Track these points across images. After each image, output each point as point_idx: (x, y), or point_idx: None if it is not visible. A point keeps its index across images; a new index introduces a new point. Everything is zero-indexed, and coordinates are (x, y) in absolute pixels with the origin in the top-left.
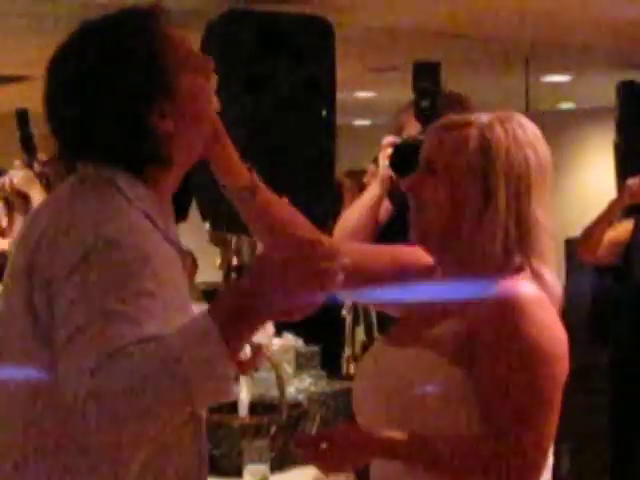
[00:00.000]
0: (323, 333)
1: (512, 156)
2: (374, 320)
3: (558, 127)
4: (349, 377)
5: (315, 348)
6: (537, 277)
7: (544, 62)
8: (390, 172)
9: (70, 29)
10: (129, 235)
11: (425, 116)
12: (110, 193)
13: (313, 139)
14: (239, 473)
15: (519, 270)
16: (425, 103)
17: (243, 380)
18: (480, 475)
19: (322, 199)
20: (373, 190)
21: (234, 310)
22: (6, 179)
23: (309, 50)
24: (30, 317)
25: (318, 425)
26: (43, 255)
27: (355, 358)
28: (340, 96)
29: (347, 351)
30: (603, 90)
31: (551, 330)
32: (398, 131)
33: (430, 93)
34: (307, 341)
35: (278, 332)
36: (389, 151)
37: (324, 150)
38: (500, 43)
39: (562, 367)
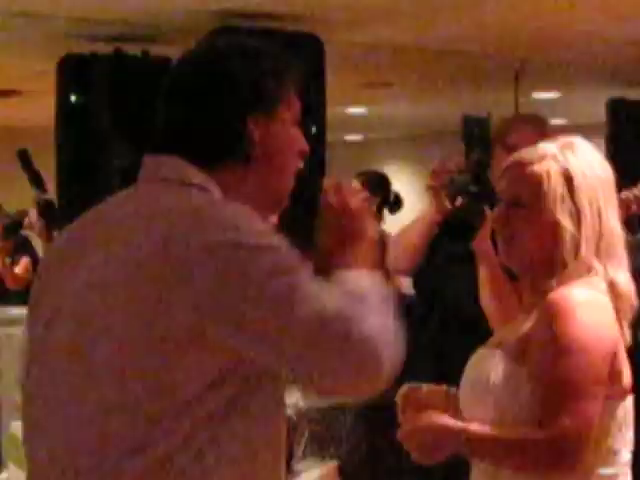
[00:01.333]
0: None
1: (588, 178)
2: None
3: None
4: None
5: None
6: (611, 284)
7: (534, 79)
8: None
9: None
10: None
11: (475, 167)
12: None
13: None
14: None
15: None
16: (475, 155)
17: None
18: (529, 460)
19: (312, 214)
20: (431, 217)
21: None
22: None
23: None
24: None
25: (307, 440)
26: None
27: None
28: (332, 111)
29: None
30: (593, 106)
31: (598, 330)
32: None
33: (480, 146)
34: None
35: None
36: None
37: (314, 165)
38: (490, 59)
39: (606, 364)
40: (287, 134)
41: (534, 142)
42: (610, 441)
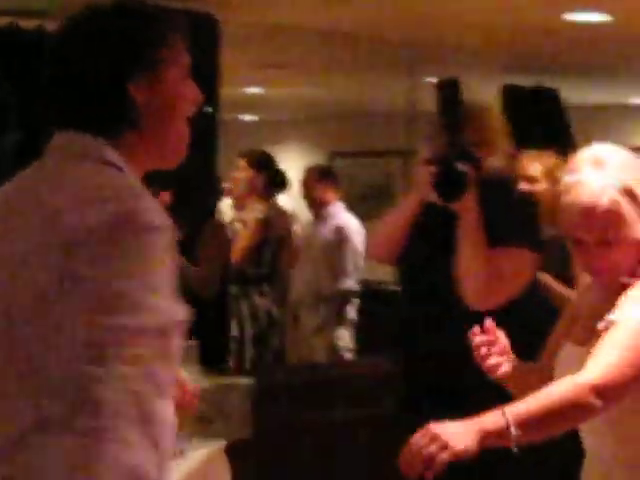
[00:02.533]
0: (205, 328)
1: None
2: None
3: None
4: (234, 372)
5: (194, 342)
6: None
7: (428, 64)
8: (432, 195)
9: None
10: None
11: (450, 127)
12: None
13: (197, 133)
14: None
15: None
16: (449, 117)
17: None
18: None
19: (207, 191)
20: (412, 204)
21: None
22: None
23: (192, 46)
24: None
25: (196, 420)
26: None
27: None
28: (228, 91)
29: (233, 347)
30: (488, 92)
31: None
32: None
33: (453, 107)
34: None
35: None
36: (430, 172)
37: (208, 144)
38: (385, 44)
39: None
40: (175, 91)
41: None
42: None
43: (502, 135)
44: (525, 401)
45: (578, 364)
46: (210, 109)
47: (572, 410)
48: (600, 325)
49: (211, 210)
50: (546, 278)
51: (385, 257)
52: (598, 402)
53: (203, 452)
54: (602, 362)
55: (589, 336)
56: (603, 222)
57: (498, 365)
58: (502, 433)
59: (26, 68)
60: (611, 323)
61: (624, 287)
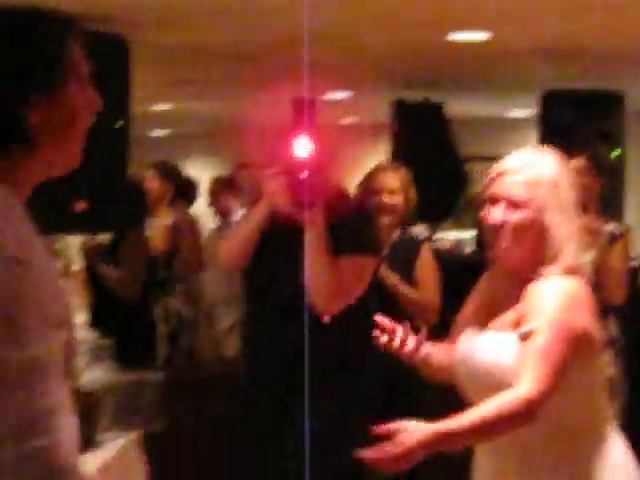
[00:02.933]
0: (121, 326)
1: (566, 183)
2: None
3: (339, 140)
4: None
5: (108, 341)
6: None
7: (325, 80)
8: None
9: None
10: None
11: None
12: None
13: (108, 147)
14: None
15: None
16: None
17: None
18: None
19: (119, 201)
20: (261, 214)
21: None
22: None
23: (102, 67)
24: None
25: (112, 413)
26: None
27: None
28: (138, 109)
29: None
30: (382, 106)
31: (574, 312)
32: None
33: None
34: (102, 334)
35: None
36: (281, 183)
37: (119, 160)
38: (283, 61)
39: (580, 339)
40: (73, 107)
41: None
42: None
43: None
44: (467, 415)
45: (476, 347)
46: (122, 123)
47: (508, 421)
48: (523, 330)
49: (132, 217)
50: (393, 278)
51: (235, 265)
52: (531, 415)
53: (119, 442)
54: (534, 376)
55: (490, 321)
56: (520, 186)
57: (415, 350)
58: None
59: None
60: (533, 331)
61: (527, 280)
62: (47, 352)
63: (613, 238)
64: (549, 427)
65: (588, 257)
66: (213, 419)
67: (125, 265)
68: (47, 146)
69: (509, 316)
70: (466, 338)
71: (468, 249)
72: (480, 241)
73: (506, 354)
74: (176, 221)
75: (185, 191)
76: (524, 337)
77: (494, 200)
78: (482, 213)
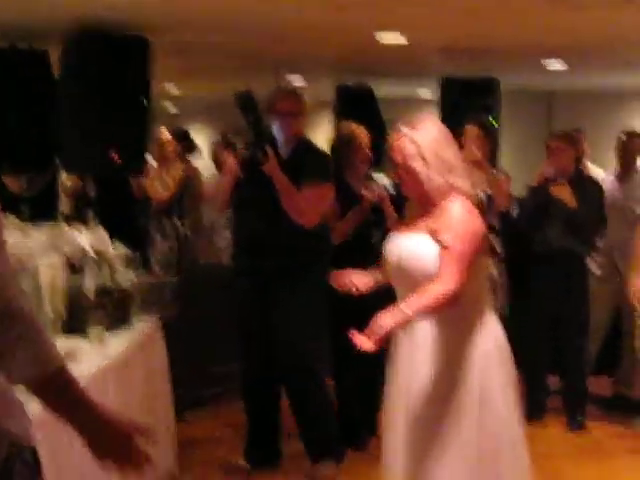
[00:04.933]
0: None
1: (428, 138)
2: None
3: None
4: (156, 274)
5: (135, 253)
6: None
7: (290, 67)
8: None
9: None
10: None
11: (250, 125)
12: None
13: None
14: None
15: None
16: (248, 118)
17: (88, 271)
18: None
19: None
20: (228, 180)
21: None
22: None
23: (131, 60)
24: None
25: (139, 304)
26: None
27: (159, 262)
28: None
29: (154, 257)
30: (329, 90)
31: (474, 220)
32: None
33: (250, 111)
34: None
35: (111, 240)
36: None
37: (144, 123)
38: (253, 50)
39: (477, 239)
40: None
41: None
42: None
43: (304, 110)
44: (411, 299)
45: (397, 247)
46: (145, 101)
47: (438, 308)
48: (439, 240)
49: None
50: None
51: (221, 208)
52: (454, 300)
53: (145, 324)
54: (453, 271)
55: (410, 229)
56: (398, 151)
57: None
58: (406, 319)
59: None
60: (447, 240)
61: (433, 205)
62: None
63: (499, 177)
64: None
65: (476, 188)
66: (215, 309)
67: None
68: None
69: (422, 225)
70: (392, 240)
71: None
72: (397, 185)
73: (424, 249)
74: (186, 170)
75: (192, 149)
76: (442, 245)
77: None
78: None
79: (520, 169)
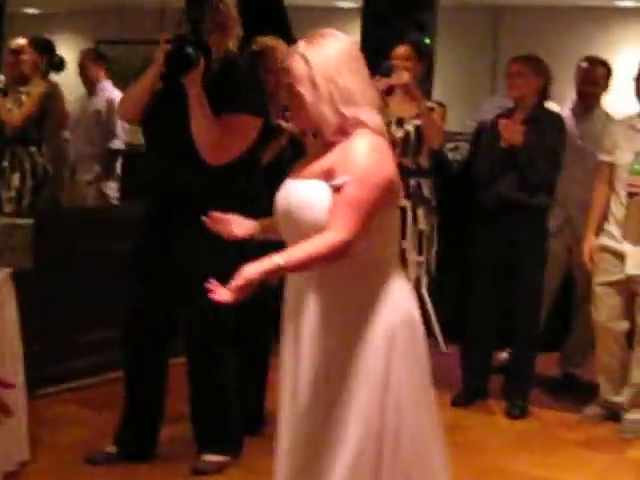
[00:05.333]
0: None
1: (321, 58)
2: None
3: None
4: (7, 214)
5: None
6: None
7: None
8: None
9: None
10: None
11: (191, 20)
12: None
13: None
14: None
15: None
16: (191, 12)
17: None
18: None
19: None
20: (151, 75)
21: None
22: None
23: None
24: None
25: None
26: None
27: (11, 200)
28: None
29: (5, 194)
30: None
31: (378, 165)
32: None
33: (195, 5)
34: None
35: None
36: (165, 50)
37: None
38: None
39: (383, 185)
40: None
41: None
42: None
43: (235, 23)
44: (293, 249)
45: (290, 192)
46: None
47: (323, 259)
48: (335, 183)
49: None
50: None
51: (131, 117)
52: (342, 254)
53: None
54: (346, 221)
55: (304, 172)
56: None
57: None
58: (277, 269)
59: None
60: (345, 183)
61: (334, 142)
62: None
63: (432, 109)
64: (350, 262)
65: (380, 120)
66: (80, 255)
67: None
68: None
69: (315, 166)
70: (284, 186)
71: None
72: None
73: (317, 195)
74: (48, 89)
75: (56, 63)
76: (336, 189)
77: None
78: None
79: (459, 100)
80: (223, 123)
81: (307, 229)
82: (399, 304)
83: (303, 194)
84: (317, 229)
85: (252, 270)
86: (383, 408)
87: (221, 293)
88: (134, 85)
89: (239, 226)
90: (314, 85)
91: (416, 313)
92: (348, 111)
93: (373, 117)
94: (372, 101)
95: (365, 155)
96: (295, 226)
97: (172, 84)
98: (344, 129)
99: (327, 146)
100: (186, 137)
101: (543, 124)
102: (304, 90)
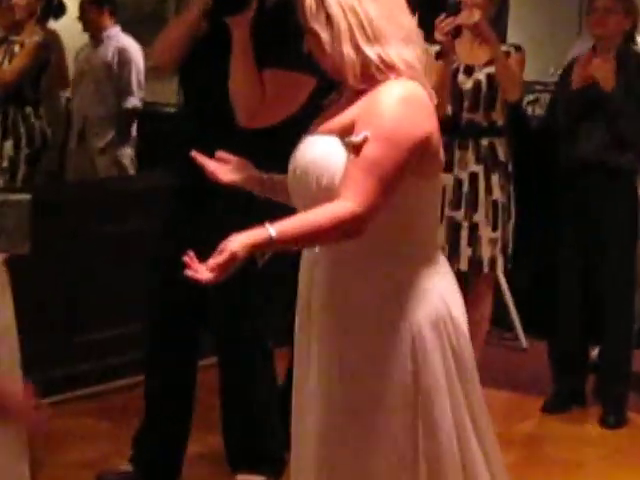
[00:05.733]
0: None
1: None
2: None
3: None
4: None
5: None
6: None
7: None
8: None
9: None
10: None
11: None
12: None
13: None
14: None
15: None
16: None
17: None
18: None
19: None
20: (193, 15)
21: None
22: None
23: None
24: None
25: None
26: None
27: (4, 172)
28: None
29: (6, 166)
30: None
31: (411, 119)
32: None
33: None
34: None
35: None
36: None
37: None
38: None
39: (413, 145)
40: None
41: None
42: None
43: None
44: (291, 219)
45: (302, 152)
46: None
47: (326, 236)
48: (353, 139)
49: None
50: None
51: (168, 63)
52: (358, 230)
53: None
54: (362, 190)
55: (325, 127)
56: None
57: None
58: (268, 243)
59: None
60: (364, 139)
61: (361, 92)
62: None
63: (507, 53)
64: (368, 244)
65: (418, 61)
66: (90, 239)
67: None
68: None
69: (336, 121)
70: (302, 144)
71: None
72: None
73: (333, 153)
74: (45, 37)
75: (54, 7)
76: (353, 147)
77: None
78: None
79: (539, 43)
80: (267, 80)
81: (318, 194)
82: (435, 298)
83: (319, 151)
84: (330, 195)
85: (237, 243)
86: (413, 431)
87: (200, 271)
88: (174, 22)
89: (238, 170)
90: (329, 19)
91: (457, 312)
92: (373, 50)
93: (407, 55)
94: (408, 37)
95: (392, 107)
96: (305, 189)
97: (219, 28)
98: (371, 74)
99: (353, 96)
100: (227, 94)
101: (630, 69)
102: (319, 26)
